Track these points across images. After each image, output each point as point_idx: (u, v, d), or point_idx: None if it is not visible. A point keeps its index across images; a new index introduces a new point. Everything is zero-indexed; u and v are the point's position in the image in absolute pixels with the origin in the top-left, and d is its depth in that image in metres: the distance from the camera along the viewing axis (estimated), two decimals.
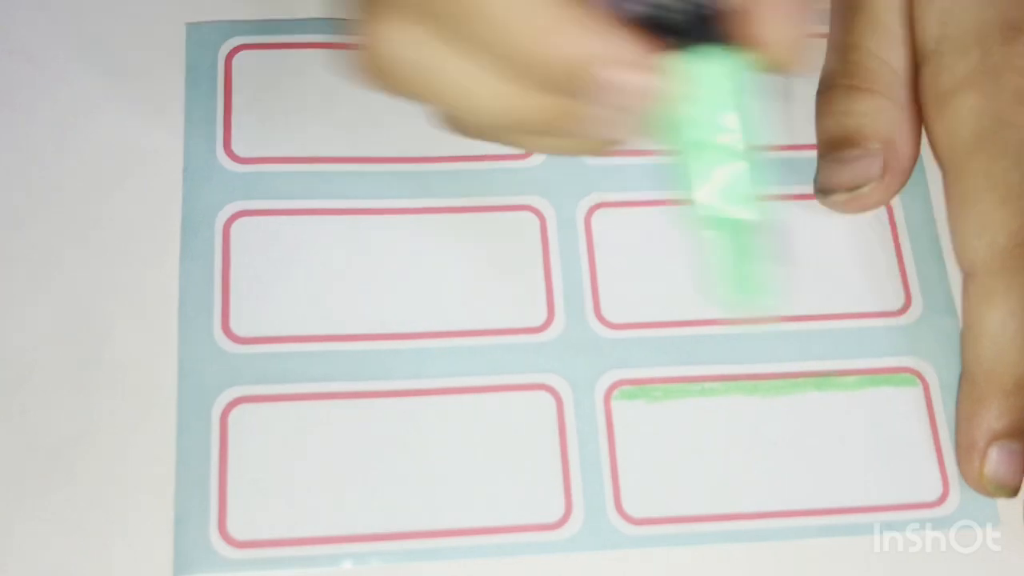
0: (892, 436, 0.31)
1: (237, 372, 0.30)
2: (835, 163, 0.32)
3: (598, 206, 0.33)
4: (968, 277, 0.31)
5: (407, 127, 0.33)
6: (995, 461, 0.30)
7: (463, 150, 0.33)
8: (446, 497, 0.30)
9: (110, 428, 0.30)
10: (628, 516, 0.30)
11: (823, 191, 0.33)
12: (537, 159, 0.33)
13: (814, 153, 0.34)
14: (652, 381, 0.31)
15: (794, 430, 0.31)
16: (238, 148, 0.32)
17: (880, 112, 0.32)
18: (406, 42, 0.26)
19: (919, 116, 0.33)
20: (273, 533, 0.29)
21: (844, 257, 0.33)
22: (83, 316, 0.31)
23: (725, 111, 0.26)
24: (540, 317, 0.32)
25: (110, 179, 0.32)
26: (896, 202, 0.33)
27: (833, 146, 0.33)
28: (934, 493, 0.30)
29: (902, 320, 0.32)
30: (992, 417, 0.30)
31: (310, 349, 0.31)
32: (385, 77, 0.27)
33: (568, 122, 0.26)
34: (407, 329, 0.31)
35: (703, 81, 0.25)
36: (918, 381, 0.32)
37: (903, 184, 0.33)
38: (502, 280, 0.32)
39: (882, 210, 0.33)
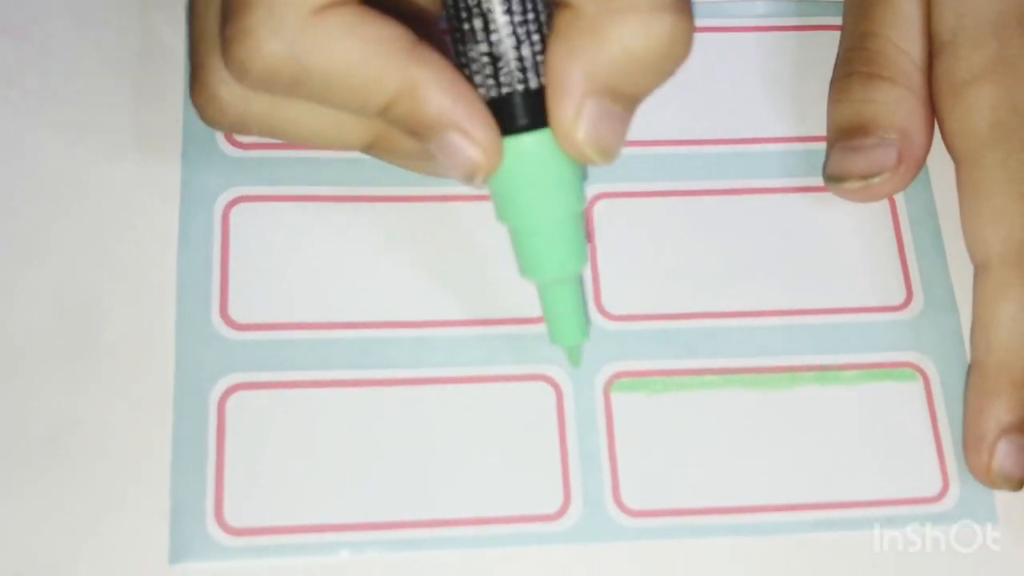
0: (892, 431, 0.31)
1: (235, 359, 0.30)
2: (849, 151, 0.32)
3: (600, 196, 0.33)
4: (981, 269, 0.31)
5: None
6: (1003, 455, 0.30)
7: None
8: (444, 487, 0.29)
9: (106, 414, 0.29)
10: (626, 508, 0.30)
11: (835, 178, 0.32)
12: None
13: (817, 144, 0.34)
14: (652, 373, 0.31)
15: (794, 424, 0.31)
16: None
17: (899, 101, 0.32)
18: (247, 94, 0.28)
19: (932, 107, 0.33)
20: (270, 521, 0.29)
21: (846, 251, 0.33)
22: (79, 301, 0.30)
23: (549, 187, 0.27)
24: (540, 308, 0.31)
25: (108, 162, 0.32)
26: (899, 196, 0.33)
27: (848, 133, 0.32)
28: (933, 488, 0.30)
29: (903, 315, 0.32)
30: (1002, 410, 0.30)
31: (309, 336, 0.30)
32: (221, 118, 0.29)
33: (392, 147, 0.29)
34: (407, 317, 0.31)
35: (528, 159, 0.27)
36: (918, 376, 0.31)
37: (916, 175, 0.33)
38: (503, 269, 0.31)
39: (884, 204, 0.33)
